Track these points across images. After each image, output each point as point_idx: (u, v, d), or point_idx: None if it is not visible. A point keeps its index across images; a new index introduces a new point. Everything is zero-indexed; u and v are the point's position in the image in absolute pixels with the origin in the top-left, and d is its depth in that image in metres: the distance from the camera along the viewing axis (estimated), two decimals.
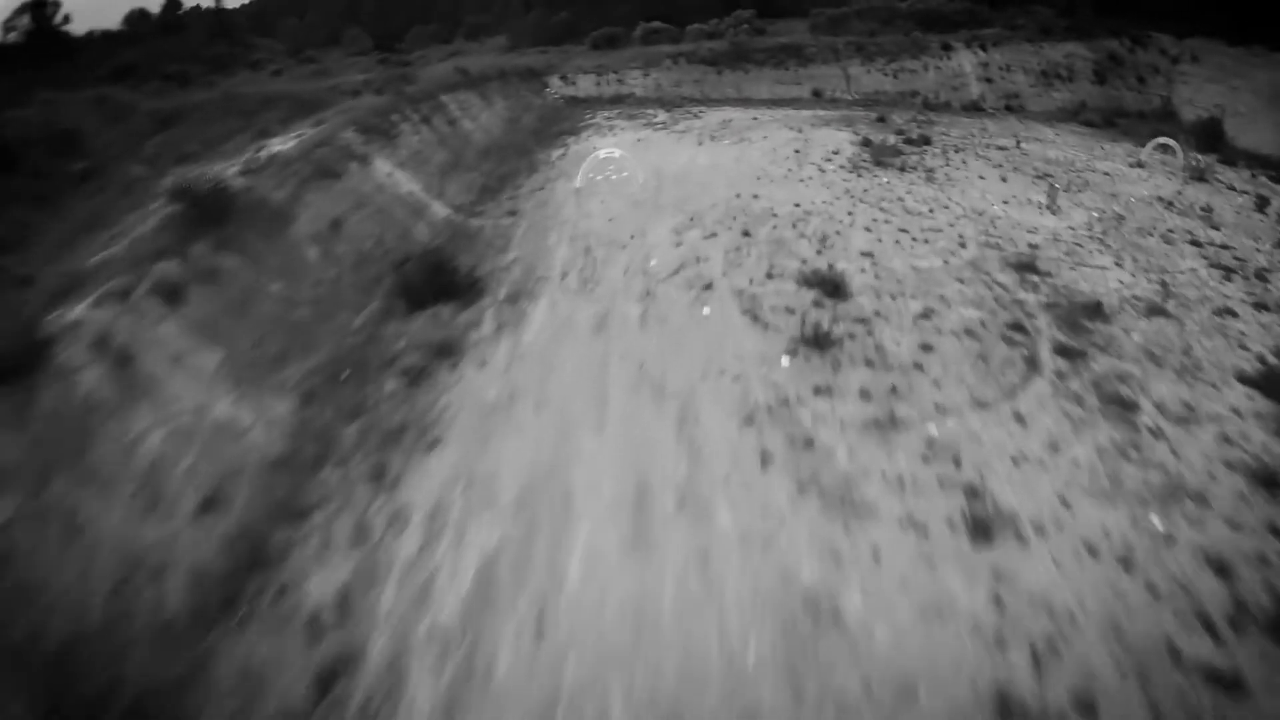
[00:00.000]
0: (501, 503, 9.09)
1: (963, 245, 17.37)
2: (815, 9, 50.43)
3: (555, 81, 39.54)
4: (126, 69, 37.24)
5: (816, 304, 13.98)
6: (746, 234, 17.95)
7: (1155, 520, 8.91)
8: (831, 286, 14.45)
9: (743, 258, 16.52)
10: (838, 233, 18.06)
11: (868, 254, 16.63)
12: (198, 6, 60.85)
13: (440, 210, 19.71)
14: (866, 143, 27.60)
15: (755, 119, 33.26)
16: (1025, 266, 16.08)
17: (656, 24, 49.13)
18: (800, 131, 30.18)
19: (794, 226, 18.51)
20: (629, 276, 15.67)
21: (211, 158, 19.08)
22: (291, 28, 65.96)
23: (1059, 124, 35.22)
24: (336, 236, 15.21)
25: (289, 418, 11.22)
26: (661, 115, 34.39)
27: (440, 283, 14.55)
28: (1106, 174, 25.46)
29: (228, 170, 16.22)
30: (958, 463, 9.57)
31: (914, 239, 17.72)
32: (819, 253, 16.66)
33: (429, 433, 10.67)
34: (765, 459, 9.60)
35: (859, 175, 23.50)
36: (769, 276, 15.38)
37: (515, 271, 16.21)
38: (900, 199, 21.01)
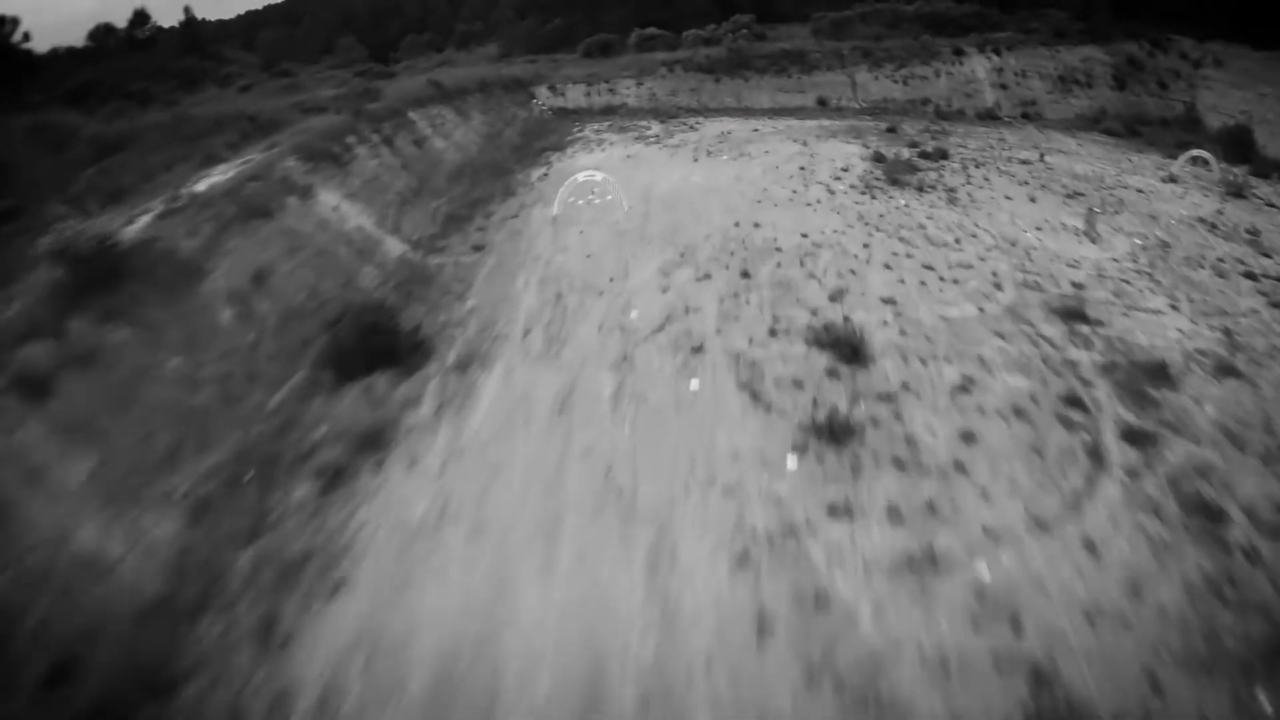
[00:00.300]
0: (408, 693, 6.75)
1: (998, 286, 14.96)
2: (817, 13, 48.04)
3: (543, 92, 37.33)
4: (86, 88, 35.10)
5: (830, 373, 11.63)
6: (746, 274, 15.62)
7: (1262, 699, 6.65)
8: (848, 348, 12.06)
9: (741, 306, 14.19)
10: (853, 271, 15.68)
11: (889, 300, 14.26)
12: (189, 20, 58.69)
13: (395, 248, 17.39)
14: (878, 157, 25.21)
15: (756, 130, 31.02)
16: (1072, 314, 13.70)
17: (652, 30, 46.90)
18: (805, 145, 27.91)
19: (801, 264, 16.16)
20: (604, 334, 13.32)
21: (147, 192, 16.89)
22: (273, 39, 63.76)
23: (1080, 133, 33.01)
24: (259, 291, 12.89)
25: (171, 543, 8.96)
26: (655, 127, 32.20)
27: (378, 346, 12.26)
28: (1140, 191, 23.08)
29: (145, 214, 14.01)
30: (1017, 626, 7.16)
31: (941, 278, 15.34)
32: (832, 300, 14.30)
33: (335, 567, 8.37)
34: (763, 626, 7.18)
35: (872, 197, 21.12)
36: (772, 334, 13.02)
37: (471, 327, 13.88)
38: (921, 226, 18.63)
